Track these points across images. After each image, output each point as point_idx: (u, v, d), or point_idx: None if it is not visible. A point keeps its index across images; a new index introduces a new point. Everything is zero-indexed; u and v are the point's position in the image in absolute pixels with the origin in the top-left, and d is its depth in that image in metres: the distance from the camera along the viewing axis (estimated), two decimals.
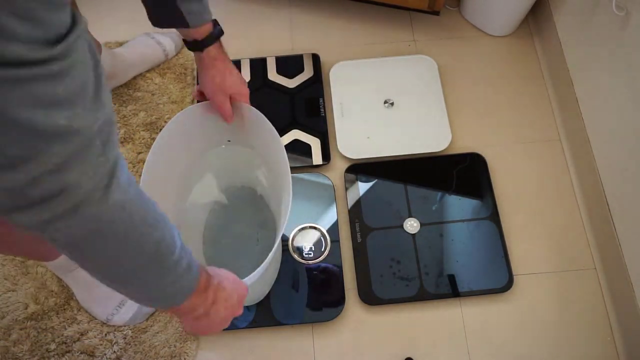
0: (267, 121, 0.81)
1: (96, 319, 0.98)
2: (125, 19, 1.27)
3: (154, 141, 1.11)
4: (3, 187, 0.35)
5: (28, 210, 0.37)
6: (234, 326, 0.96)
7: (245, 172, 0.99)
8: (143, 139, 1.13)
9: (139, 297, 0.52)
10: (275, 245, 0.75)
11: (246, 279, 0.71)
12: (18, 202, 0.37)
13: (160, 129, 1.13)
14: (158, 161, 0.80)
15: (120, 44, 1.21)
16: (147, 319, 0.98)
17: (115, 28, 1.26)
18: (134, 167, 1.10)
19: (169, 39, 1.20)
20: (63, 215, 0.38)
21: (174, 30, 1.20)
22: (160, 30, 1.21)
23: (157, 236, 0.46)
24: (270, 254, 0.74)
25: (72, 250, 0.43)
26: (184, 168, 0.89)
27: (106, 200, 0.39)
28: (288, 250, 1.02)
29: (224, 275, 0.61)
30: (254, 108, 0.82)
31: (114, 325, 0.98)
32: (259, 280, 0.78)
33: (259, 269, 0.73)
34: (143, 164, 1.09)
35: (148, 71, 1.19)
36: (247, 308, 0.97)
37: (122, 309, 0.97)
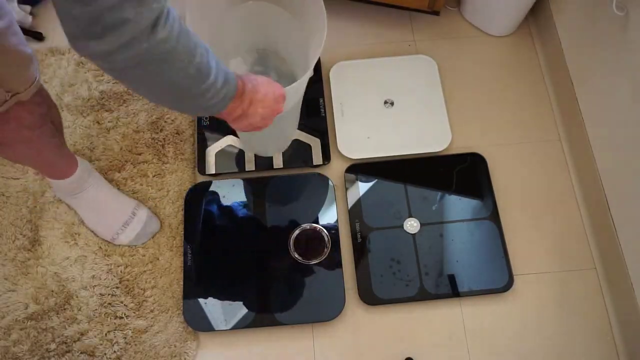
0: None
1: (103, 239, 1.04)
2: None
3: (154, 141, 1.12)
4: (75, 16, 0.45)
5: (93, 40, 0.46)
6: (234, 326, 0.96)
7: (269, 31, 1.04)
8: (143, 139, 1.13)
9: (189, 110, 0.71)
10: (308, 71, 0.83)
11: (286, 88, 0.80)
12: (87, 32, 0.46)
13: (161, 129, 1.13)
14: (195, 14, 0.86)
15: None
16: (152, 238, 1.04)
17: None
18: (134, 167, 1.10)
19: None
20: (120, 47, 0.47)
21: None
22: None
23: (197, 62, 0.55)
24: (305, 76, 0.83)
25: (127, 78, 0.53)
26: (216, 22, 0.94)
27: (155, 35, 0.48)
28: (288, 250, 1.02)
29: (258, 80, 0.71)
30: None
31: (119, 245, 1.03)
32: (291, 115, 0.94)
33: (295, 83, 0.81)
34: (145, 164, 1.10)
35: None
36: (247, 309, 0.98)
37: (127, 229, 1.02)
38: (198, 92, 0.58)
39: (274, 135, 1.07)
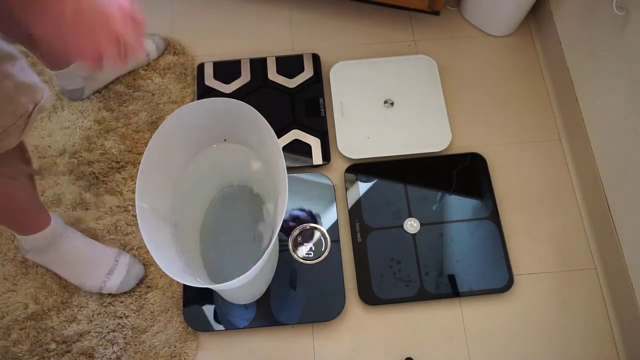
0: (263, 119, 0.81)
1: (89, 291, 1.00)
2: None
3: None
4: None
5: None
6: (234, 326, 0.96)
7: (241, 171, 1.00)
8: (143, 139, 1.13)
9: None
10: (271, 244, 0.76)
11: (242, 276, 0.73)
12: None
13: None
14: (154, 161, 0.80)
15: None
16: (138, 283, 1.00)
17: None
18: (134, 167, 1.10)
19: (150, 41, 1.20)
20: None
21: (157, 33, 1.23)
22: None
23: None
24: (266, 254, 0.75)
25: None
26: (180, 167, 0.90)
27: None
28: (288, 250, 1.02)
29: None
30: (249, 106, 0.82)
31: (108, 293, 0.99)
32: (256, 278, 0.80)
33: (252, 268, 0.74)
34: None
35: (147, 71, 1.19)
36: (245, 307, 0.98)
37: (112, 276, 0.98)
38: None
39: (245, 288, 0.95)
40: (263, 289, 0.98)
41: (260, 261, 0.74)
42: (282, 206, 0.76)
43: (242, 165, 0.97)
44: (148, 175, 0.79)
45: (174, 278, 0.72)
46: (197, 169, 0.93)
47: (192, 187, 0.94)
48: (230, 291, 0.94)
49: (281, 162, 0.78)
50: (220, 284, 0.74)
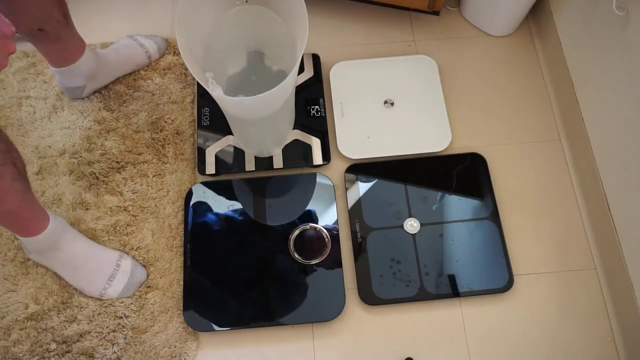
0: None
1: (90, 296, 0.99)
2: (114, 20, 1.28)
3: (154, 141, 1.12)
4: None
5: None
6: (234, 326, 0.96)
7: (258, 33, 1.06)
8: (143, 139, 1.13)
9: None
10: (293, 70, 0.85)
11: (273, 89, 0.83)
12: None
13: (161, 129, 1.13)
14: (185, 23, 0.89)
15: (107, 45, 1.21)
16: (140, 287, 1.00)
17: (104, 28, 1.26)
18: (134, 167, 1.10)
19: (151, 42, 1.20)
20: None
21: (157, 34, 1.24)
22: (143, 32, 1.22)
23: None
24: (290, 76, 0.85)
25: None
26: (207, 28, 0.96)
27: None
28: (288, 250, 1.02)
29: None
30: None
31: (109, 299, 0.99)
32: (278, 115, 0.96)
33: (278, 85, 0.84)
34: (145, 164, 1.10)
35: (147, 71, 1.19)
36: (247, 309, 0.98)
37: (114, 282, 0.98)
38: None
39: (269, 133, 1.07)
40: (284, 131, 1.05)
41: (286, 80, 0.83)
42: (300, 49, 0.85)
43: (261, 27, 1.03)
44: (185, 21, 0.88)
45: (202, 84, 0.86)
46: (219, 32, 1.00)
47: (222, 47, 1.02)
48: (256, 133, 1.02)
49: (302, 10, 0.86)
50: (247, 97, 0.85)
